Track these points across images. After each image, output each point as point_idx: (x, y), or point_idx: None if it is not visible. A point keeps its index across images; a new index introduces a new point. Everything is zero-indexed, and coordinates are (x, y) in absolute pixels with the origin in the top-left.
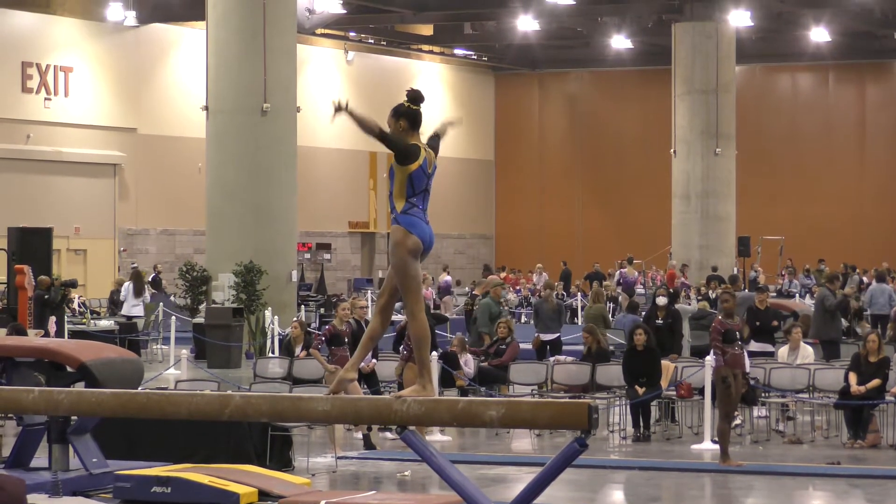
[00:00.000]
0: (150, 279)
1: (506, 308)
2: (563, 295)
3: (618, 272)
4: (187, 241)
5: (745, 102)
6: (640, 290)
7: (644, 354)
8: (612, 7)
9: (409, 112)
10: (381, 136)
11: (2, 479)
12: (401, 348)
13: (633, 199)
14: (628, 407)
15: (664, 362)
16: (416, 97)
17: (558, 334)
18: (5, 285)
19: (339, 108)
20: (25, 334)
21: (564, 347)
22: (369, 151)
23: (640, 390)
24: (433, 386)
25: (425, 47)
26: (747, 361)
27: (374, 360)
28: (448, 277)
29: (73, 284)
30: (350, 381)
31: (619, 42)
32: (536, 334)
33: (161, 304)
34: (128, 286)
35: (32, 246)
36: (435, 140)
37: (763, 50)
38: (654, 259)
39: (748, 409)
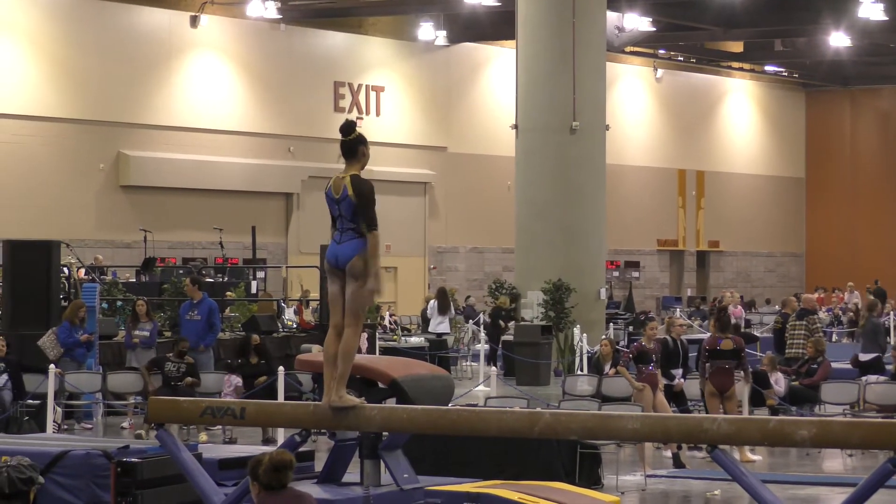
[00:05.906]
0: (463, 306)
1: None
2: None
3: None
4: (496, 259)
5: None
6: None
7: None
8: None
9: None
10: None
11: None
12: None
13: None
14: None
15: None
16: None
17: (876, 354)
18: (318, 302)
19: None
20: None
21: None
22: (678, 169)
23: None
24: (348, 396)
25: (735, 64)
26: None
27: (682, 380)
28: None
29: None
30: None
31: None
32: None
33: (471, 321)
34: (433, 304)
35: None
36: None
37: None
38: None
39: None
